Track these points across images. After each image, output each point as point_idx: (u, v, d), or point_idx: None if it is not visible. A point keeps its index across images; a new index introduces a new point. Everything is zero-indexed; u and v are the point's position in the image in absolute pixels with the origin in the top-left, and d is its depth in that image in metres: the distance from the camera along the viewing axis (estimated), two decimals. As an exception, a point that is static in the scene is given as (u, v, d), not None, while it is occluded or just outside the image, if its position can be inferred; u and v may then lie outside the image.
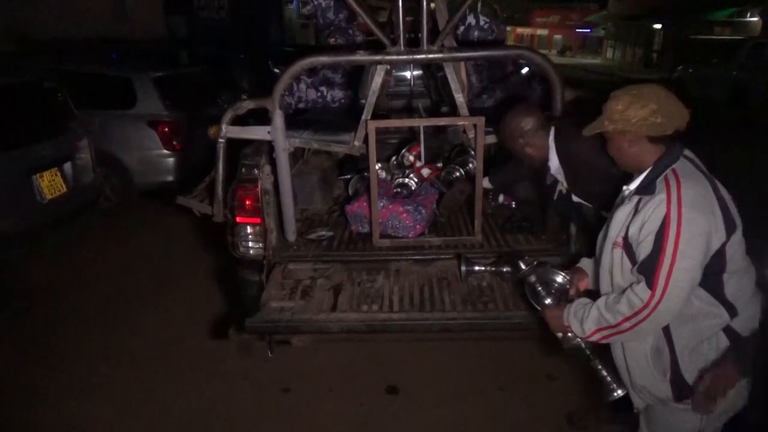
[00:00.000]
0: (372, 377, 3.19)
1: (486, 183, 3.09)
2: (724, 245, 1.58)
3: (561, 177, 2.54)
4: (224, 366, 3.29)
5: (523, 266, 2.01)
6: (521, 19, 43.48)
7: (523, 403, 3.00)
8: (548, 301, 1.96)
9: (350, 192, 3.62)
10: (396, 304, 2.54)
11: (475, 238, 3.03)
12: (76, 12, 10.35)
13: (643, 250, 1.59)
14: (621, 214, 1.71)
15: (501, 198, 3.49)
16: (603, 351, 1.88)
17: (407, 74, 4.19)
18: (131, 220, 5.58)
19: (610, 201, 1.91)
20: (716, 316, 1.63)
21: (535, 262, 2.05)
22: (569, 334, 1.85)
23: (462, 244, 3.02)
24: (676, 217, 1.52)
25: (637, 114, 1.61)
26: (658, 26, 25.54)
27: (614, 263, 1.72)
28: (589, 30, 39.33)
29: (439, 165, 3.59)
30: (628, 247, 1.65)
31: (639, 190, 1.67)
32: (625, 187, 1.81)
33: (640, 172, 1.71)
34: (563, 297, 1.99)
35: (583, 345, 1.85)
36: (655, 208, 1.57)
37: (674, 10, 21.42)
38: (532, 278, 1.99)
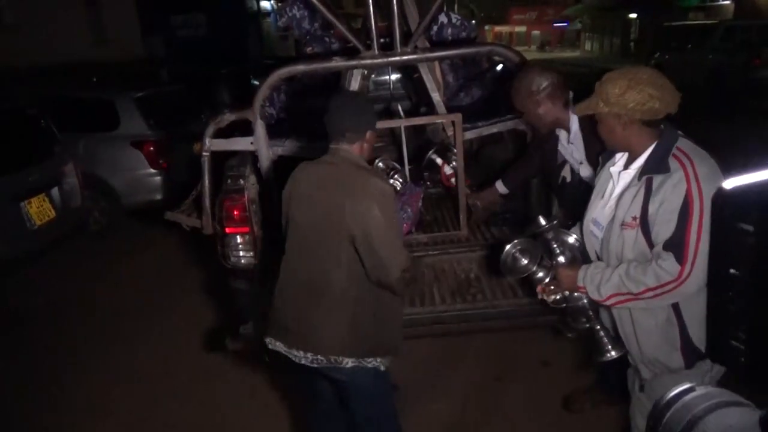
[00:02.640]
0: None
1: (501, 188, 3.01)
2: None
3: (577, 142, 2.45)
4: (226, 376, 3.32)
5: (542, 222, 1.98)
6: (499, 17, 43.82)
7: (519, 392, 3.05)
8: (562, 259, 1.97)
9: None
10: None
11: (461, 232, 3.09)
12: (54, 38, 10.35)
13: (667, 228, 1.61)
14: (628, 196, 1.72)
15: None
16: (599, 312, 1.96)
17: (386, 78, 4.26)
18: (121, 241, 5.60)
19: None
20: None
21: (555, 221, 2.04)
22: (576, 294, 1.88)
23: (449, 239, 3.08)
24: (697, 193, 1.57)
25: (634, 98, 1.63)
26: (633, 15, 25.86)
27: (625, 244, 1.74)
28: (566, 24, 39.74)
29: (424, 164, 3.65)
30: (644, 225, 1.67)
31: (648, 170, 1.68)
32: (613, 169, 1.84)
33: (634, 154, 1.75)
34: (575, 257, 2.01)
35: (587, 305, 1.90)
36: (674, 187, 1.60)
37: (648, -2, 21.74)
38: (550, 235, 1.99)
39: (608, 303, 1.78)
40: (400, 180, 3.50)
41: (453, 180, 3.18)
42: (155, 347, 3.70)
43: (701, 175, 1.59)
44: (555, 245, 1.99)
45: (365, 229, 1.76)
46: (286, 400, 3.08)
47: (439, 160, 3.22)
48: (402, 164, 3.57)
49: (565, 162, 2.57)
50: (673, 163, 1.64)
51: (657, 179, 1.65)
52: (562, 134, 2.51)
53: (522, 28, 44.84)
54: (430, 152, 3.26)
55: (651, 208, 1.65)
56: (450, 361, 3.34)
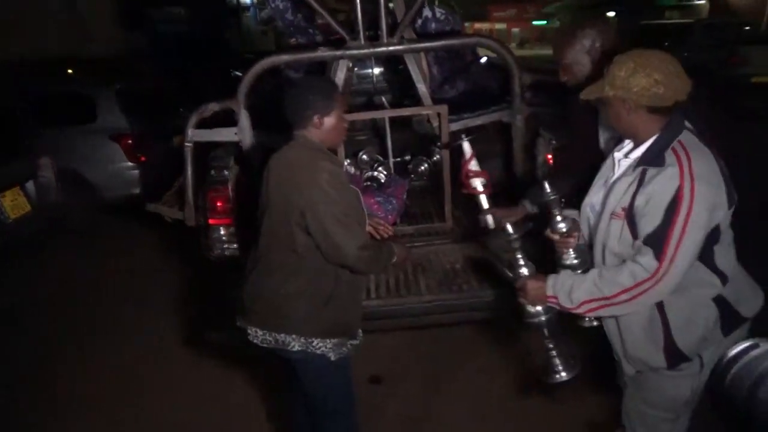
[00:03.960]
0: (354, 368, 3.20)
1: (529, 207, 2.37)
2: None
3: None
4: (209, 370, 3.27)
5: (510, 230, 1.83)
6: (479, 14, 43.92)
7: (503, 382, 3.06)
8: (525, 271, 1.84)
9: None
10: (373, 292, 2.58)
11: (446, 224, 3.10)
12: (32, 31, 10.12)
13: (651, 222, 1.55)
14: (621, 185, 1.66)
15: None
16: (560, 333, 1.85)
17: (370, 71, 4.24)
18: (99, 236, 5.49)
19: None
20: (711, 285, 1.64)
21: (523, 231, 1.90)
22: (537, 308, 1.77)
23: (434, 231, 3.08)
24: (689, 191, 1.50)
25: (639, 83, 1.54)
26: (611, 14, 26.16)
27: (610, 234, 1.68)
28: (545, 22, 40.05)
29: (408, 157, 3.66)
30: (631, 218, 1.61)
31: (644, 162, 1.62)
32: (617, 154, 1.76)
33: (638, 141, 1.68)
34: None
35: (544, 324, 1.79)
36: (667, 181, 1.53)
37: (626, -3, 22.03)
38: (516, 245, 1.85)
39: (580, 311, 1.67)
40: (384, 172, 3.50)
41: (476, 183, 2.32)
42: (137, 342, 3.63)
43: (696, 174, 1.51)
44: (520, 256, 1.84)
45: (313, 209, 1.80)
46: (268, 387, 3.06)
47: (468, 149, 2.35)
48: (386, 157, 3.57)
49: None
50: (669, 156, 1.56)
51: (651, 171, 1.58)
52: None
53: (502, 26, 45.02)
54: (463, 138, 2.41)
55: (638, 201, 1.58)
56: (433, 351, 3.34)
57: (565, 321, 1.84)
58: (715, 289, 1.64)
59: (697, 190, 1.50)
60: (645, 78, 1.54)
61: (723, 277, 1.64)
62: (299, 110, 1.90)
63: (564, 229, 1.77)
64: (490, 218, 2.27)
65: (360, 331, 2.12)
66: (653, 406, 1.89)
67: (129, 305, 4.10)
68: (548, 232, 1.82)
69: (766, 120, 9.96)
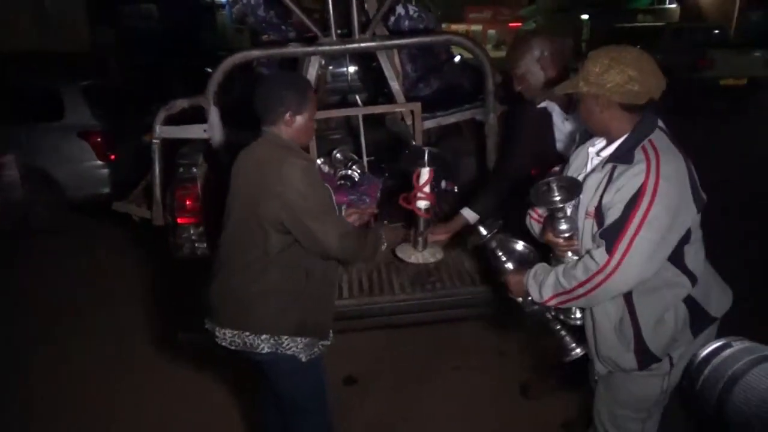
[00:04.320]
0: (329, 369, 3.16)
1: (469, 214, 2.55)
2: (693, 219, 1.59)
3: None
4: (181, 370, 3.20)
5: (483, 232, 1.89)
6: (455, 15, 44.19)
7: (478, 380, 3.07)
8: (509, 266, 1.87)
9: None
10: (345, 291, 2.55)
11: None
12: (-1, 25, 9.84)
13: (611, 217, 1.56)
14: (592, 182, 1.66)
15: (444, 184, 3.51)
16: (563, 312, 1.87)
17: (344, 69, 4.20)
18: (66, 236, 5.34)
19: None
20: (681, 286, 1.64)
21: (495, 229, 1.94)
22: (529, 299, 1.79)
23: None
24: (652, 188, 1.49)
25: (613, 79, 1.53)
26: (585, 17, 26.54)
27: (585, 232, 1.69)
28: (521, 24, 40.43)
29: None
30: (599, 216, 1.62)
31: (614, 159, 1.61)
32: (591, 150, 1.75)
33: (610, 139, 1.67)
34: (524, 264, 1.89)
35: (544, 309, 1.82)
36: (632, 178, 1.53)
37: (600, 0, 22.34)
38: (493, 244, 1.90)
39: (550, 304, 1.71)
40: (358, 171, 3.46)
41: (421, 204, 2.58)
42: (107, 343, 3.54)
43: (663, 173, 1.51)
44: (500, 253, 1.89)
45: (289, 208, 1.77)
46: (238, 388, 3.01)
47: (425, 174, 2.53)
48: (360, 155, 3.53)
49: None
50: (638, 154, 1.56)
51: (619, 168, 1.58)
52: (555, 112, 2.39)
53: (478, 27, 45.33)
54: (424, 162, 2.57)
55: (606, 198, 1.58)
56: (409, 351, 3.33)
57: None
58: (684, 289, 1.65)
59: (660, 188, 1.49)
60: (619, 74, 1.53)
61: (692, 278, 1.65)
62: (272, 106, 1.86)
63: (567, 234, 1.73)
64: (426, 237, 2.61)
65: (330, 332, 2.08)
66: (623, 406, 1.89)
67: (96, 306, 3.99)
68: (549, 235, 1.78)
69: (733, 121, 10.24)
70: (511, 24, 41.84)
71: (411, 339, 3.40)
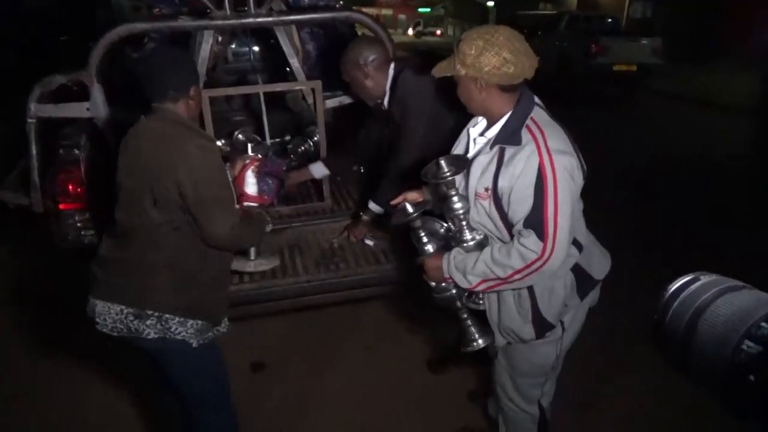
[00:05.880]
0: (235, 356, 3.07)
1: (374, 207, 2.63)
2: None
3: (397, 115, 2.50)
4: (80, 368, 3.00)
5: (410, 209, 1.81)
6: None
7: (388, 358, 3.09)
8: (429, 248, 1.82)
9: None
10: (246, 275, 2.47)
11: (326, 203, 3.05)
12: None
13: (523, 205, 1.57)
14: (479, 163, 1.67)
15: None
16: (469, 298, 1.87)
17: (246, 49, 4.05)
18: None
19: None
20: (570, 255, 1.67)
21: (422, 209, 1.87)
22: (443, 285, 1.78)
23: (313, 210, 3.01)
24: (549, 166, 1.53)
25: (489, 62, 1.54)
26: (491, 4, 27.38)
27: (480, 214, 1.69)
28: (429, 9, 41.07)
29: (287, 138, 3.53)
30: (497, 198, 1.62)
31: (501, 140, 1.62)
32: (472, 131, 1.77)
33: (491, 119, 1.69)
34: (444, 247, 1.84)
35: (455, 297, 1.80)
36: (526, 160, 1.55)
37: (504, -13, 23.11)
38: (418, 223, 1.83)
39: (479, 289, 1.71)
40: (261, 152, 3.36)
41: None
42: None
43: (552, 148, 1.55)
44: (422, 234, 1.83)
45: (188, 186, 1.69)
46: (140, 380, 2.82)
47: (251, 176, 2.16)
48: (263, 137, 3.42)
49: None
50: (525, 135, 1.59)
51: (509, 151, 1.60)
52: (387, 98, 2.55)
53: (389, 11, 45.58)
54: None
55: (501, 181, 1.60)
56: (317, 334, 3.30)
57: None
58: (573, 258, 1.70)
59: (557, 163, 1.54)
60: (495, 57, 1.54)
61: (579, 246, 1.71)
62: (167, 81, 1.77)
63: (461, 211, 1.72)
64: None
65: (226, 319, 1.99)
66: (523, 374, 1.97)
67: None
68: (446, 212, 1.77)
69: (624, 106, 10.97)
70: (420, 9, 42.37)
71: (319, 322, 3.36)
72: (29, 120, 2.55)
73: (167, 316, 1.76)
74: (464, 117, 1.85)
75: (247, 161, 2.14)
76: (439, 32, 38.47)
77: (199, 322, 1.82)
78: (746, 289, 0.79)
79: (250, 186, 2.09)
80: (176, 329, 1.77)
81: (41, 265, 3.92)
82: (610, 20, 13.49)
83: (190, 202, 1.70)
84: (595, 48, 10.76)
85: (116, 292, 1.76)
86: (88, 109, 2.57)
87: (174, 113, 1.80)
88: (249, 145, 2.27)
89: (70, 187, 2.52)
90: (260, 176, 2.18)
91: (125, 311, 1.74)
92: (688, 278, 0.84)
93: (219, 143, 3.01)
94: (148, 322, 1.74)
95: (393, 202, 1.98)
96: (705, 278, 0.83)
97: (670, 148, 7.46)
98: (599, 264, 1.85)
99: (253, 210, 2.06)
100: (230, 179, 1.98)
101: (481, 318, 1.88)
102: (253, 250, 2.38)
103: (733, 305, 0.76)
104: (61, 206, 2.54)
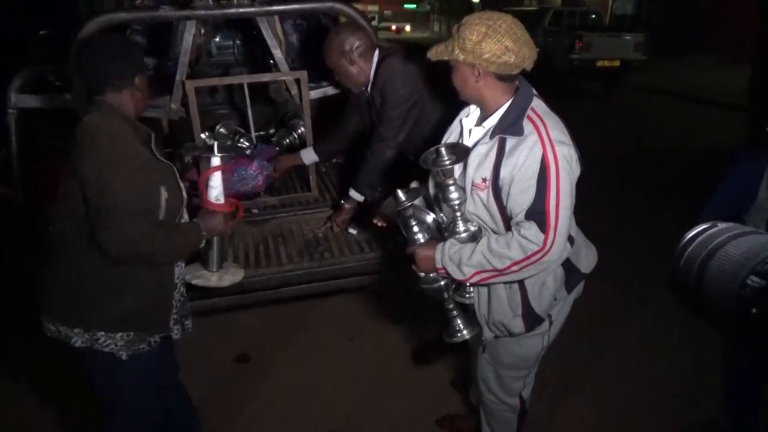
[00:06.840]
0: (220, 349, 3.10)
1: (355, 195, 2.63)
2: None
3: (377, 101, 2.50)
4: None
5: (402, 198, 1.73)
6: (352, -5, 43.97)
7: (373, 348, 3.12)
8: (420, 238, 1.75)
9: (186, 161, 3.35)
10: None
11: (312, 194, 3.06)
12: None
13: (525, 196, 1.54)
14: (478, 153, 1.63)
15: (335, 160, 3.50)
16: (457, 290, 1.85)
17: (230, 42, 4.03)
18: None
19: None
20: (564, 249, 1.65)
21: (414, 198, 1.81)
22: (432, 275, 1.74)
23: (298, 201, 3.03)
24: (552, 157, 1.51)
25: (490, 49, 1.51)
26: (476, 0, 27.44)
27: (476, 205, 1.66)
28: (415, 6, 41.06)
29: (272, 131, 3.54)
30: (496, 188, 1.60)
31: (502, 131, 1.58)
32: (465, 121, 1.74)
33: (485, 108, 1.66)
34: (434, 238, 1.80)
35: (443, 288, 1.77)
36: (530, 151, 1.53)
37: (489, -17, 23.16)
38: (409, 212, 1.77)
39: (473, 281, 1.66)
40: (247, 143, 3.35)
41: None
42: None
43: (554, 138, 1.53)
44: (413, 223, 1.76)
45: (95, 189, 1.55)
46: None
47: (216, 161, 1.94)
48: (248, 129, 3.42)
49: None
50: (527, 125, 1.56)
51: (511, 141, 1.57)
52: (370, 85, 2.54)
53: (374, 7, 45.44)
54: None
55: (503, 172, 1.57)
56: (302, 325, 3.32)
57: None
58: (566, 252, 1.68)
59: (559, 153, 1.52)
60: (496, 44, 1.51)
61: (571, 240, 1.70)
62: (109, 67, 1.64)
63: (458, 201, 1.68)
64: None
65: (171, 325, 1.83)
66: (507, 367, 1.98)
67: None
68: (443, 203, 1.74)
69: (607, 100, 11.09)
70: (406, 5, 42.34)
71: (303, 313, 3.38)
72: (10, 111, 2.53)
73: (94, 329, 1.68)
74: (450, 106, 1.84)
75: (213, 165, 1.93)
76: (394, 27, 38.80)
77: (131, 333, 1.71)
78: (758, 234, 0.82)
79: (211, 190, 1.92)
80: (104, 341, 1.68)
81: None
82: (593, 16, 13.64)
83: (94, 207, 1.56)
84: (579, 44, 10.86)
85: (44, 303, 1.71)
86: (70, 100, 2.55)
87: (113, 107, 1.65)
88: (215, 144, 2.03)
89: (51, 180, 2.50)
90: (227, 181, 2.07)
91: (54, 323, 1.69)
92: (706, 225, 0.86)
93: (202, 135, 3.01)
94: (76, 330, 1.67)
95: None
96: (721, 225, 0.85)
97: (653, 141, 7.59)
98: (587, 258, 1.86)
99: (191, 222, 1.86)
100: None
101: (465, 310, 1.88)
102: (215, 260, 2.03)
103: (743, 246, 0.78)
104: (48, 200, 2.52)
